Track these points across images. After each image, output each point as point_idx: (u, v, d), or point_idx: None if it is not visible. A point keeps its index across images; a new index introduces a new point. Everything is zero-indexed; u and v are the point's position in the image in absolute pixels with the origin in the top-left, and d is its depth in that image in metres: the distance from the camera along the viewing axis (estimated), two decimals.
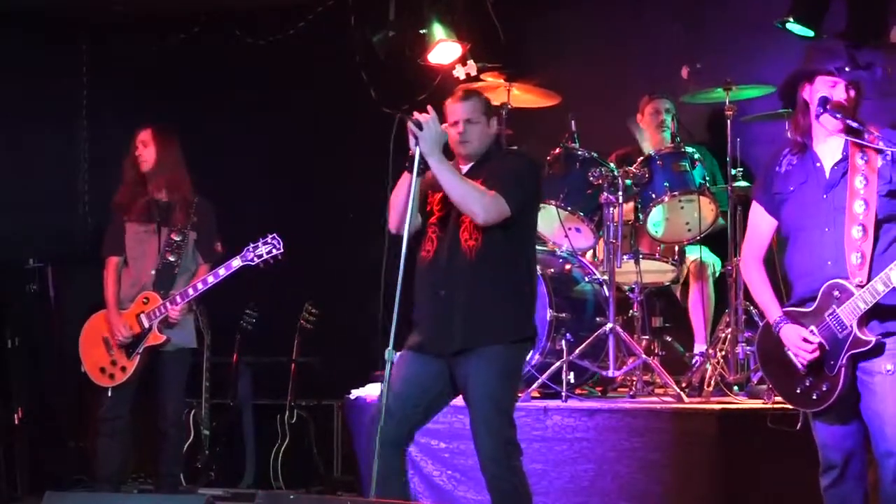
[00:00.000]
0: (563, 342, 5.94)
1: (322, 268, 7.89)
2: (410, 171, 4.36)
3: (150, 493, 6.63)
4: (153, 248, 5.86)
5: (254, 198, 8.15)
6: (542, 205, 6.17)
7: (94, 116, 8.59)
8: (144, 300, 5.79)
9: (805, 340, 4.02)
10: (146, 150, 5.93)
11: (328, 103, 7.98)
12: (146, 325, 5.76)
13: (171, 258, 5.84)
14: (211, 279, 5.70)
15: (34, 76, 8.02)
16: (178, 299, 5.71)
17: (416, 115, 4.35)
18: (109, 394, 5.81)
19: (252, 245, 5.65)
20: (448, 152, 4.51)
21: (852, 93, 4.13)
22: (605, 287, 6.18)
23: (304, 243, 7.93)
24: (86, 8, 8.13)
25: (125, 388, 5.81)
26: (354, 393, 6.32)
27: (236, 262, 5.66)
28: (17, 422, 7.20)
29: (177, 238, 5.85)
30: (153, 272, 5.83)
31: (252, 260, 5.63)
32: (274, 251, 5.64)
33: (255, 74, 8.20)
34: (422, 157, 4.33)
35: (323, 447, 7.59)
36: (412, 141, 4.36)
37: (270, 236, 5.67)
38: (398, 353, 4.30)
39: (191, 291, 5.72)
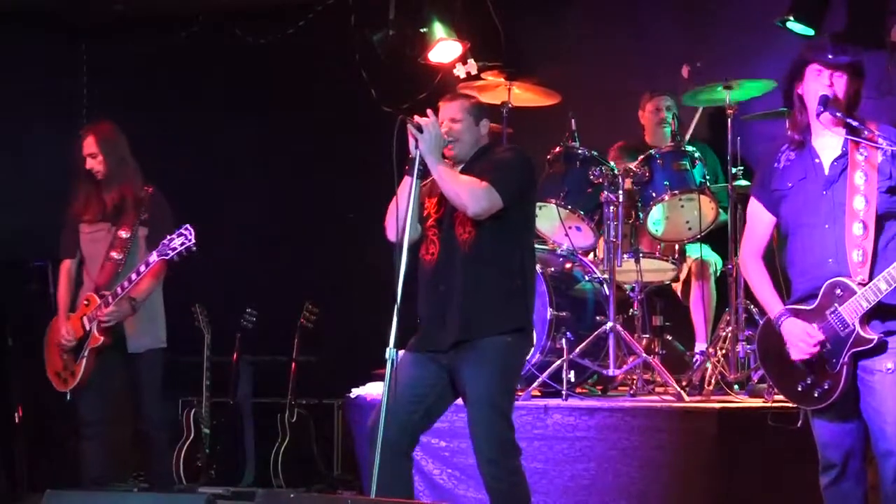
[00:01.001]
0: (564, 341, 5.94)
1: (322, 267, 7.90)
2: (410, 174, 4.38)
3: (149, 493, 6.62)
4: (105, 249, 5.74)
5: (253, 197, 8.16)
6: (542, 203, 6.19)
7: (94, 116, 8.58)
8: (86, 302, 5.70)
9: (808, 335, 4.01)
10: (96, 161, 5.79)
11: (328, 102, 7.99)
12: (87, 327, 5.66)
13: (116, 256, 5.69)
14: (134, 276, 5.54)
15: (34, 76, 8.02)
16: (110, 300, 5.58)
17: (416, 118, 4.38)
18: (68, 398, 5.73)
19: (168, 238, 5.47)
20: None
21: (840, 79, 4.09)
22: (605, 286, 6.18)
23: (304, 243, 7.98)
24: (86, 7, 8.13)
25: (89, 391, 5.71)
26: (355, 392, 6.32)
27: (153, 258, 5.49)
28: (17, 421, 7.20)
29: (125, 235, 5.71)
30: (98, 271, 5.72)
31: (167, 254, 5.45)
32: (186, 242, 5.44)
33: (255, 74, 8.21)
34: (422, 159, 4.36)
35: (323, 446, 7.61)
36: (412, 143, 4.39)
37: (183, 227, 5.47)
38: (400, 353, 4.29)
39: (119, 290, 5.57)
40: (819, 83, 4.08)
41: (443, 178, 4.42)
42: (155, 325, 5.83)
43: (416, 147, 4.38)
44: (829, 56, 4.07)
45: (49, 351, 5.86)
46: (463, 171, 4.56)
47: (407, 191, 4.37)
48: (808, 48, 4.25)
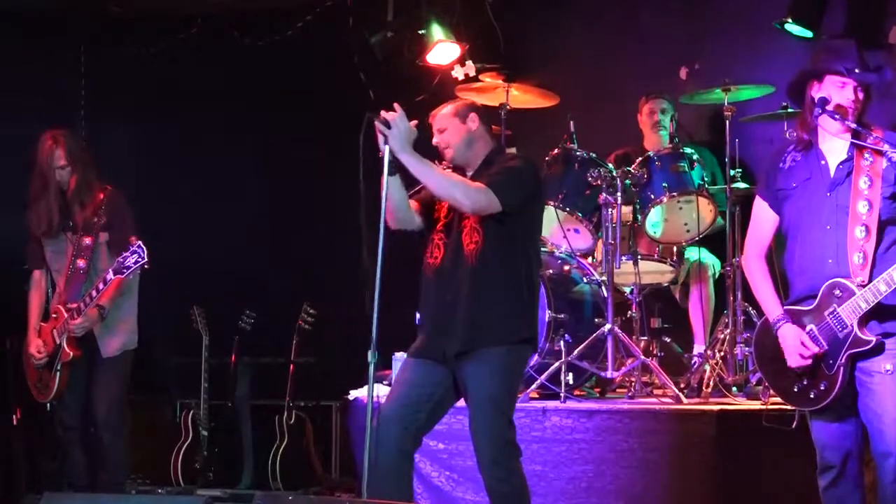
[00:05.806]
0: (562, 343, 5.93)
1: (320, 268, 7.89)
2: (385, 172, 4.31)
3: (149, 493, 6.62)
4: (70, 258, 5.66)
5: (252, 198, 8.16)
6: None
7: (93, 117, 8.58)
8: (55, 315, 5.65)
9: (803, 345, 4.01)
10: (65, 173, 5.67)
11: (326, 104, 7.98)
12: (58, 341, 5.61)
13: (81, 264, 5.62)
14: (94, 293, 5.47)
15: (33, 76, 8.01)
16: (76, 312, 5.52)
17: (382, 113, 4.30)
18: (48, 408, 5.71)
19: (123, 256, 5.36)
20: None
21: (861, 95, 4.09)
22: (603, 288, 6.18)
23: (303, 244, 7.98)
24: (84, 8, 8.13)
25: (68, 400, 5.67)
26: (353, 393, 6.32)
27: (109, 276, 5.40)
28: (15, 422, 7.19)
29: (88, 243, 5.63)
30: (64, 282, 5.66)
31: (122, 272, 5.35)
32: (140, 260, 5.34)
33: (253, 75, 8.20)
34: (394, 155, 4.29)
35: (321, 448, 7.60)
36: (381, 140, 4.29)
37: (136, 244, 5.36)
38: (401, 356, 4.29)
39: (82, 305, 5.50)
40: (842, 96, 4.06)
41: (419, 171, 4.32)
42: (126, 327, 5.74)
43: (386, 143, 4.28)
44: (858, 70, 4.06)
45: (25, 363, 5.84)
46: (472, 178, 4.54)
47: (385, 190, 4.30)
48: (831, 54, 4.20)
